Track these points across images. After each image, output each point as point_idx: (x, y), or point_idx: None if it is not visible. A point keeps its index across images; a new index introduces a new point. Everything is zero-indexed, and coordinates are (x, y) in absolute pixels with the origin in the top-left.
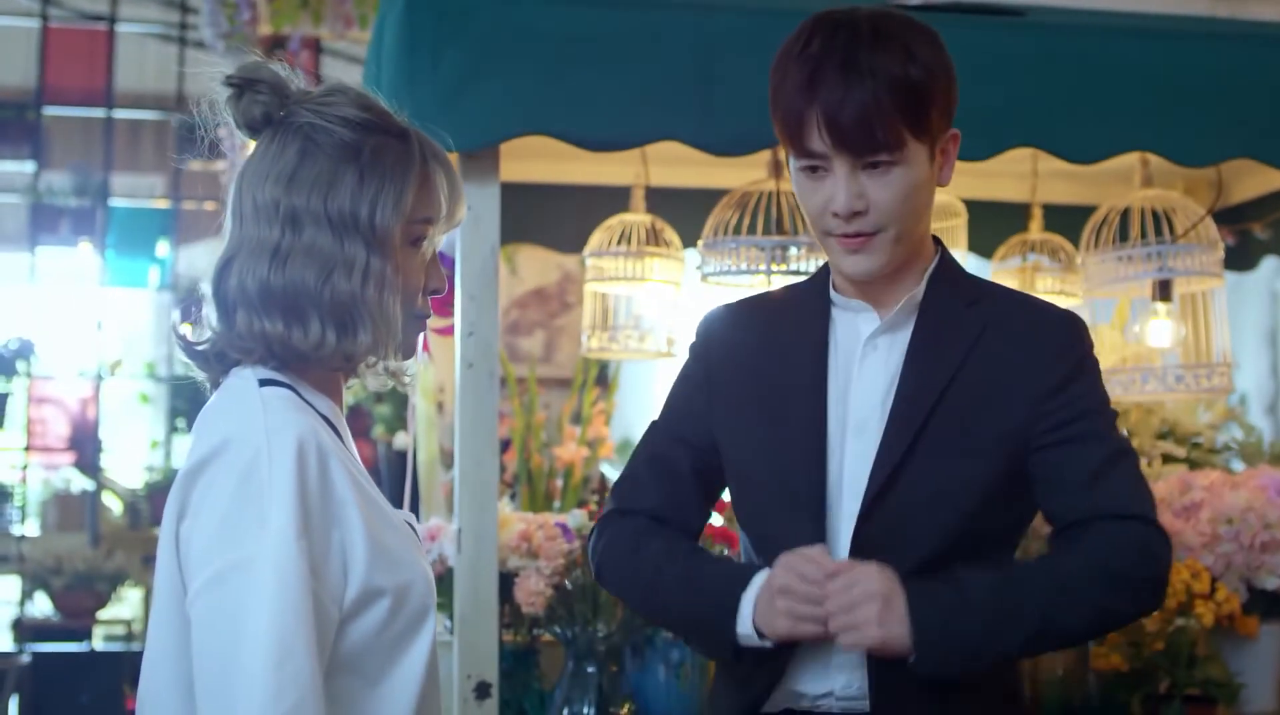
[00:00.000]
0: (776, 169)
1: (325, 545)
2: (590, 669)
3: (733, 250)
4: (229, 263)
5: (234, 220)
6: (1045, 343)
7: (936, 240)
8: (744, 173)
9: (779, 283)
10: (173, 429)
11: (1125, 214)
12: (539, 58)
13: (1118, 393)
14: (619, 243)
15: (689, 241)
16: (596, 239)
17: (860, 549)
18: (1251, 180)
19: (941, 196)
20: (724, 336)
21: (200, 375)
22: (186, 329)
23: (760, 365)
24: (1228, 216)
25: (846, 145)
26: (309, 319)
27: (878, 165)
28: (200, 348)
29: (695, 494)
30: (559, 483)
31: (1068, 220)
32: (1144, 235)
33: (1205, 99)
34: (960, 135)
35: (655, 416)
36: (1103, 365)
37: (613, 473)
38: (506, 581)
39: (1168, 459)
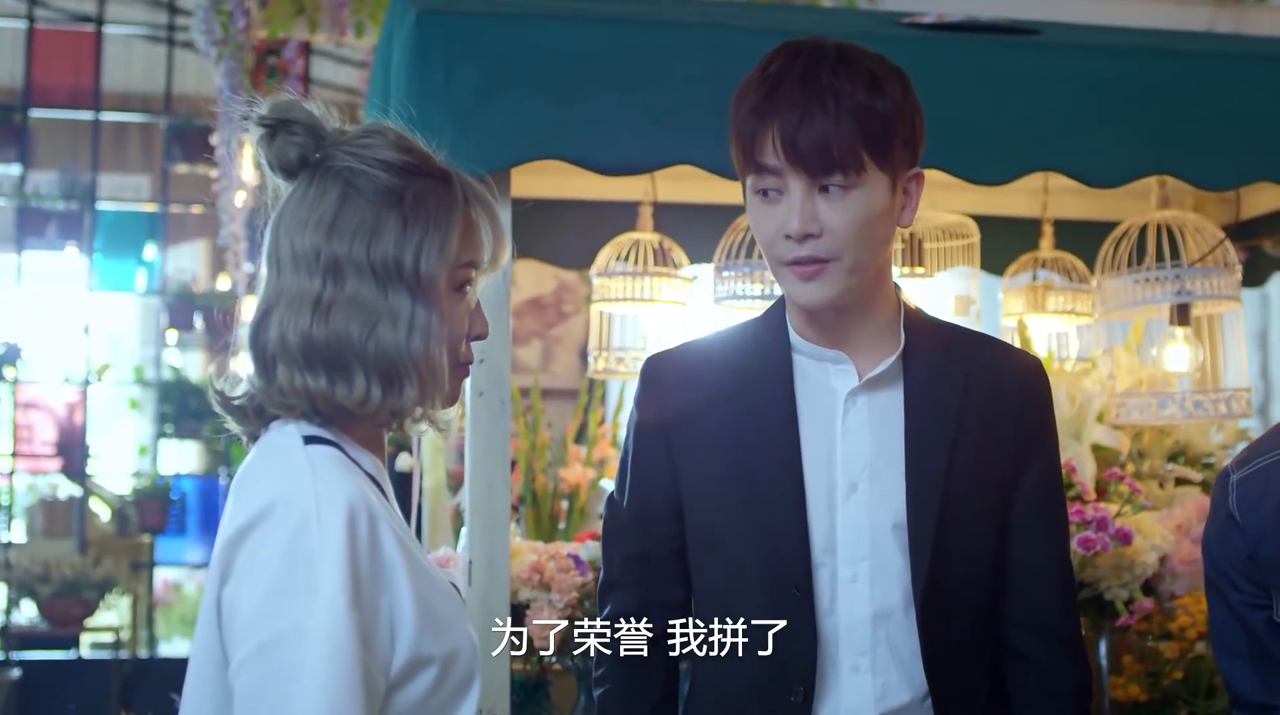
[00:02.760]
0: None
1: (374, 612)
2: None
3: (745, 274)
4: (268, 314)
5: (271, 268)
6: (1021, 392)
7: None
8: None
9: None
10: (160, 434)
11: (1141, 232)
12: (553, 78)
13: (1135, 417)
14: (626, 261)
15: (697, 257)
16: (603, 257)
17: (930, 613)
18: (1263, 196)
19: (951, 216)
20: (677, 388)
21: (236, 428)
22: (219, 380)
23: (723, 420)
24: (1239, 232)
25: (801, 162)
26: (353, 374)
27: (834, 188)
28: (237, 402)
29: (679, 578)
30: (564, 505)
31: (1079, 236)
32: (1160, 257)
33: (1224, 121)
34: (924, 178)
35: (614, 489)
36: (1118, 387)
37: None
38: (517, 613)
39: (1180, 481)
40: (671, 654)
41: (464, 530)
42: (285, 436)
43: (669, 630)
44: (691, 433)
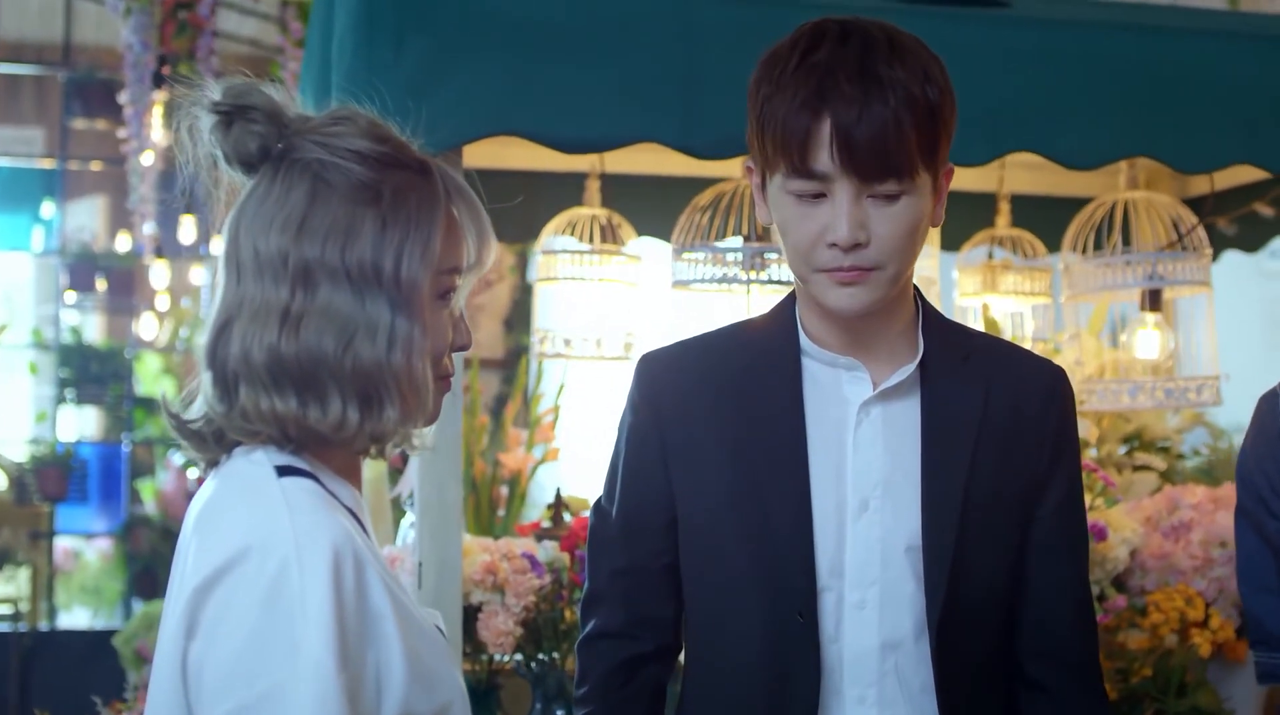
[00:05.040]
0: None
1: (360, 668)
2: (559, 711)
3: (708, 256)
4: (228, 326)
5: (230, 273)
6: (1045, 405)
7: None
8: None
9: (757, 293)
10: (60, 399)
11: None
12: (510, 50)
13: (1103, 405)
14: (572, 237)
15: (645, 231)
16: (547, 234)
17: (945, 642)
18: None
19: None
20: (675, 389)
21: (192, 455)
22: (173, 400)
23: (724, 426)
24: (1226, 201)
25: (857, 167)
26: (328, 394)
27: (884, 194)
28: (194, 426)
29: (670, 594)
30: (504, 491)
31: (1036, 212)
32: (1128, 240)
33: (1205, 100)
34: (954, 171)
35: (602, 494)
36: (1084, 372)
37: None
38: (469, 614)
39: (1139, 467)
40: (661, 679)
41: (404, 522)
42: (254, 466)
43: (658, 650)
44: (689, 439)
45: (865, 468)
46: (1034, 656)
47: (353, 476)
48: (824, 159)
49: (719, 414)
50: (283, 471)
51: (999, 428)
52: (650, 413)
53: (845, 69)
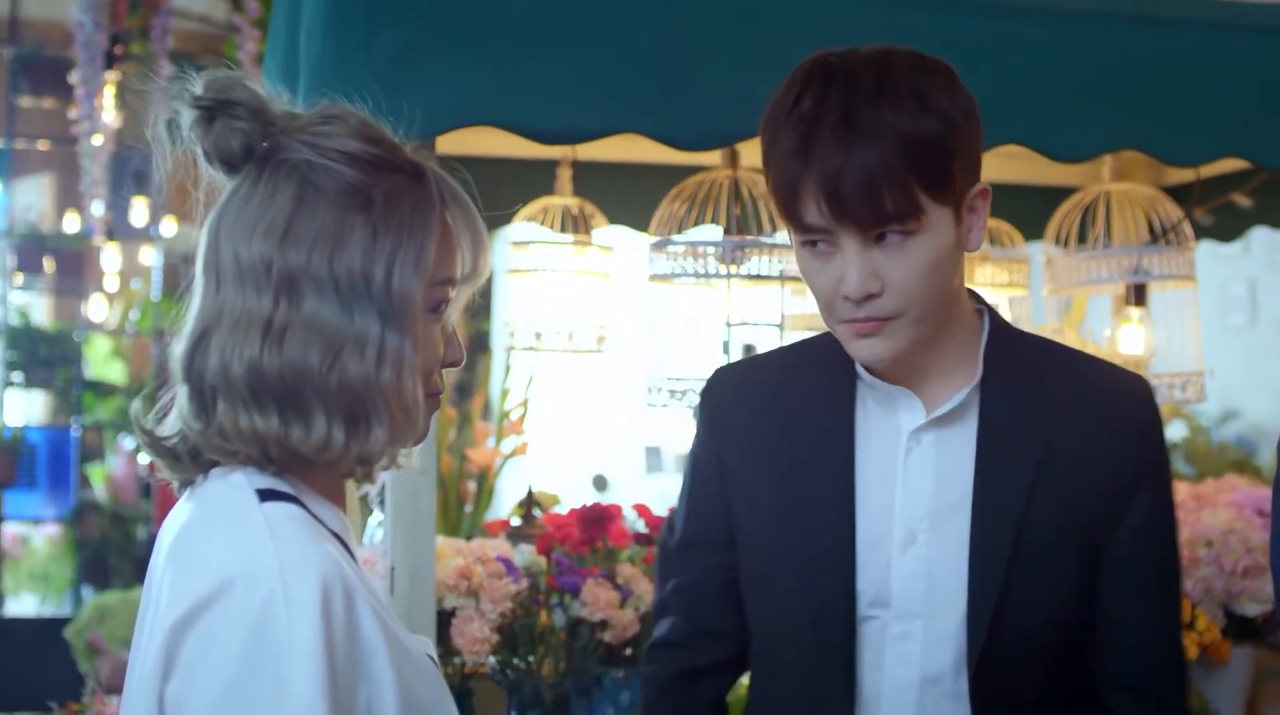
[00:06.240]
0: (732, 157)
1: (351, 707)
2: None
3: (689, 250)
4: (205, 337)
5: (209, 280)
6: (1121, 424)
7: (977, 298)
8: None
9: (737, 288)
10: (7, 383)
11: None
12: (487, 38)
13: None
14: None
15: (620, 220)
16: (518, 224)
17: (984, 681)
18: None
19: None
20: (735, 408)
21: (166, 475)
22: (146, 417)
23: (776, 449)
24: (1203, 191)
25: (851, 218)
26: (312, 412)
27: (891, 237)
28: (168, 443)
29: (731, 606)
30: (471, 486)
31: (1012, 201)
32: (1111, 234)
33: (1197, 93)
34: (991, 191)
35: (673, 507)
36: None
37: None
38: (443, 619)
39: None
40: (718, 692)
41: (372, 521)
42: (233, 489)
43: (716, 664)
44: (744, 459)
45: (914, 498)
46: (1115, 691)
47: (337, 499)
48: (815, 213)
49: (772, 436)
50: (264, 496)
51: (1066, 451)
52: (710, 429)
53: (829, 118)
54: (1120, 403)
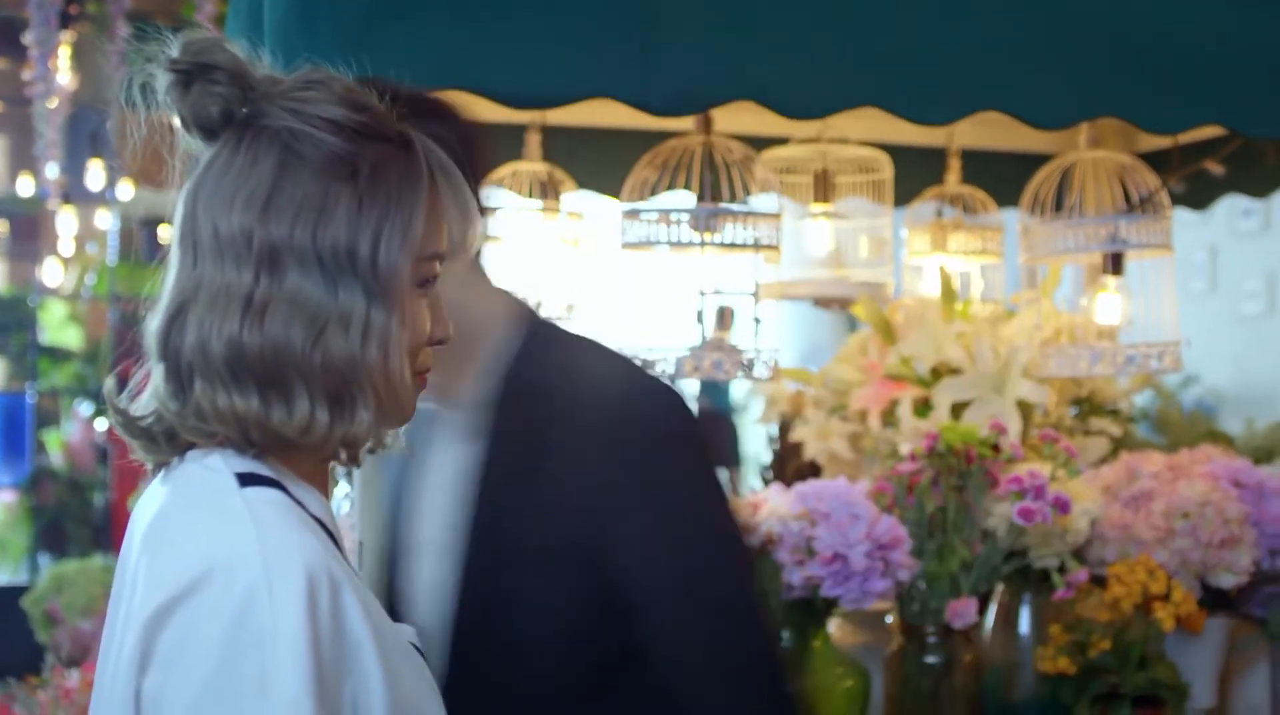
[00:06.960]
0: (706, 123)
1: (337, 703)
2: None
3: (657, 217)
4: (182, 312)
5: (185, 253)
6: (609, 441)
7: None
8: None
9: (712, 255)
10: None
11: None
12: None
13: (1058, 370)
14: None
15: (589, 186)
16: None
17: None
18: None
19: (861, 150)
20: None
21: (140, 456)
22: (117, 395)
23: None
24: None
25: None
26: (294, 392)
27: None
28: (143, 423)
29: None
30: None
31: (985, 167)
32: (1084, 202)
33: (1177, 59)
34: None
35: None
36: (1038, 337)
37: None
38: None
39: (1089, 432)
40: None
41: (338, 493)
42: (211, 473)
43: None
44: None
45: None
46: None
47: (320, 482)
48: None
49: None
50: (245, 480)
51: (511, 475)
52: None
53: None
54: (606, 420)
